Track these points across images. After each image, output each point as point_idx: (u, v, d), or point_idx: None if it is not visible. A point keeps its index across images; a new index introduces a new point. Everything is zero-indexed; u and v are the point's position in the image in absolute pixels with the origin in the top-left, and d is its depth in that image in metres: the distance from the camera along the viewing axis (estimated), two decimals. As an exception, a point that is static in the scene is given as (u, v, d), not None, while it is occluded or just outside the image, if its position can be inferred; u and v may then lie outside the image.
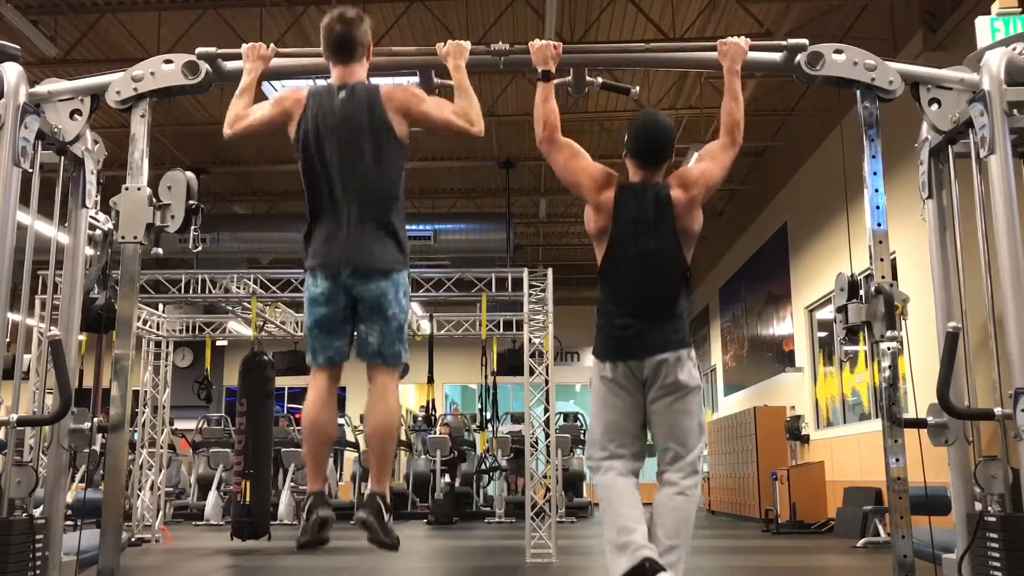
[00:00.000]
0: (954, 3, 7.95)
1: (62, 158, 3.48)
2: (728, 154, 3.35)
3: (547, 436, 8.46)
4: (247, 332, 11.20)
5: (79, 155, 3.52)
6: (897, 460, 3.36)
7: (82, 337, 3.68)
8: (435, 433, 13.52)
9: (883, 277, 3.44)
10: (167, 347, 10.32)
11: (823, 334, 11.99)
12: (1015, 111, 3.29)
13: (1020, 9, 4.37)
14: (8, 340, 3.95)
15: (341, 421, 14.84)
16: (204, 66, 3.61)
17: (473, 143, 12.00)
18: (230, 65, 3.65)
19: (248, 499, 8.11)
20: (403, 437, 14.51)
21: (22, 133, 3.22)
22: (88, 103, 3.52)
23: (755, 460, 12.96)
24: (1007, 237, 3.18)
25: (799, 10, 8.85)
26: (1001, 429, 3.15)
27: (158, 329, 10.14)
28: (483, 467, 13.92)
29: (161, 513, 10.09)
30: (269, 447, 8.81)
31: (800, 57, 3.55)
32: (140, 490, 9.68)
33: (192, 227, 3.58)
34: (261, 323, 9.82)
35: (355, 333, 3.24)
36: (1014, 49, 3.39)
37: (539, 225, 16.30)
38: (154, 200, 3.53)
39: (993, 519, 3.07)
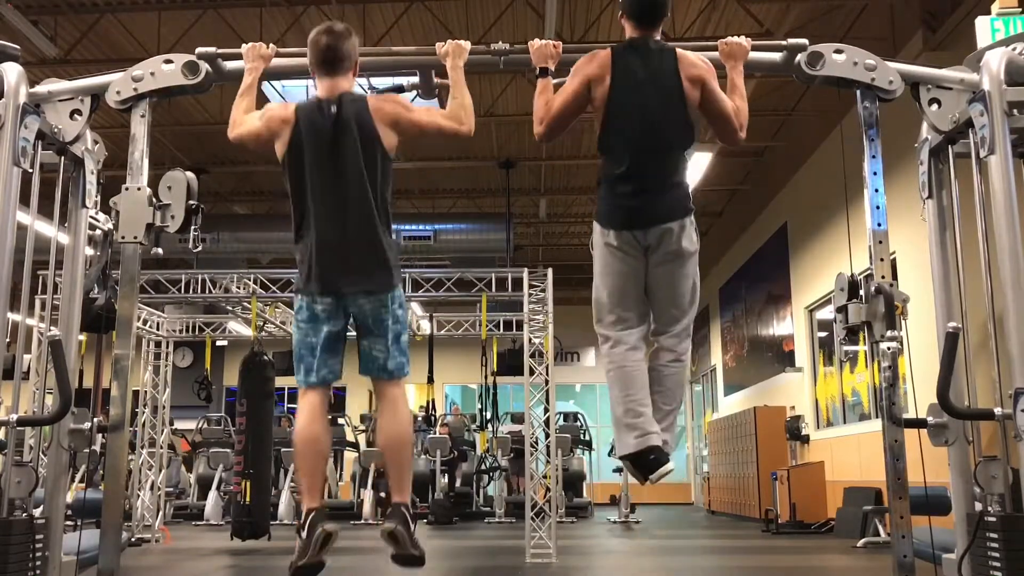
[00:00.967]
0: (954, 3, 7.95)
1: (62, 158, 3.47)
2: (733, 117, 3.27)
3: (547, 436, 8.46)
4: (247, 332, 11.20)
5: (79, 155, 3.52)
6: (897, 460, 3.36)
7: (82, 337, 3.68)
8: (435, 433, 13.52)
9: (883, 277, 3.44)
10: (167, 347, 10.32)
11: (823, 334, 11.99)
12: (1015, 111, 3.29)
13: (1020, 9, 4.37)
14: (8, 340, 3.95)
15: (341, 421, 14.85)
16: (204, 66, 3.61)
17: (473, 143, 12.00)
18: (230, 65, 3.64)
19: (248, 499, 8.10)
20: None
21: (22, 133, 3.22)
22: (88, 103, 3.52)
23: (755, 460, 12.96)
24: (1007, 237, 3.18)
25: (799, 10, 8.85)
26: (1001, 429, 3.15)
27: (158, 329, 10.14)
28: (483, 467, 13.92)
29: (161, 513, 10.09)
30: (269, 447, 8.81)
31: (800, 57, 3.55)
32: (140, 490, 9.68)
33: (192, 227, 3.58)
34: (261, 323, 9.82)
35: (359, 349, 3.26)
36: (1014, 49, 3.38)
37: (539, 225, 16.30)
38: (154, 200, 3.52)
39: (993, 519, 3.07)
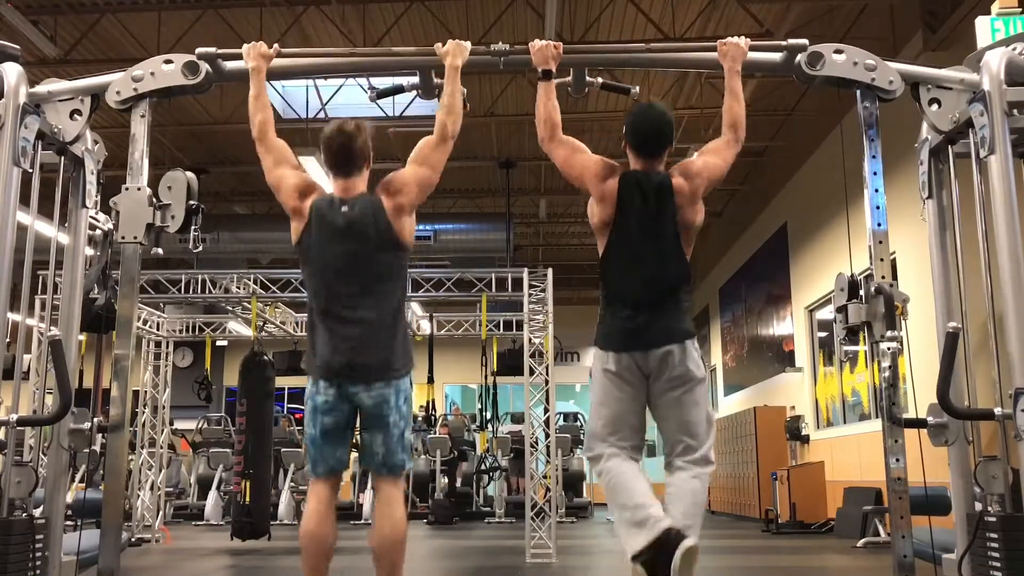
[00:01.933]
0: (954, 3, 7.94)
1: (62, 158, 3.48)
2: (731, 150, 3.36)
3: (547, 436, 8.45)
4: (247, 332, 11.20)
5: (79, 155, 3.52)
6: (897, 460, 3.36)
7: (82, 337, 3.68)
8: (435, 433, 13.52)
9: (883, 277, 3.44)
10: (167, 347, 10.32)
11: (823, 334, 11.99)
12: (1015, 111, 3.29)
13: (1020, 9, 4.37)
14: (8, 340, 3.95)
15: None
16: (204, 66, 3.61)
17: (473, 143, 12.01)
18: (230, 65, 3.65)
19: (248, 499, 8.10)
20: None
21: (22, 133, 3.22)
22: (88, 103, 3.52)
23: (755, 460, 12.96)
24: (1007, 237, 3.18)
25: (799, 10, 8.84)
26: (1001, 429, 3.15)
27: (158, 329, 10.14)
28: (483, 467, 13.92)
29: (161, 513, 10.09)
30: (269, 447, 8.80)
31: (800, 57, 3.55)
32: (140, 490, 9.68)
33: (192, 227, 3.58)
34: (261, 323, 9.82)
35: (361, 440, 3.26)
36: (1014, 49, 3.39)
37: (539, 225, 16.30)
38: (154, 200, 3.53)
39: (993, 519, 3.07)
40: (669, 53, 4.06)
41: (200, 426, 14.48)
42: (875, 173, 3.54)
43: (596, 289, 3.39)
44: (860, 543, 8.64)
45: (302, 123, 10.80)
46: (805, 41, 3.55)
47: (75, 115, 3.50)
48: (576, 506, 14.05)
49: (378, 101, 4.39)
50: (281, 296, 9.33)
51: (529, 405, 8.14)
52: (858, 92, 3.59)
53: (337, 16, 9.06)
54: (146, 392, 10.04)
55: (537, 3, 8.81)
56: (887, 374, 3.35)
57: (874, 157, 3.56)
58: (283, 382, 11.30)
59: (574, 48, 3.66)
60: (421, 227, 12.13)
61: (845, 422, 11.05)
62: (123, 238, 3.48)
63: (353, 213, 3.23)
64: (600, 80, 3.92)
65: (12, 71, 3.29)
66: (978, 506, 3.23)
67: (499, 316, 10.65)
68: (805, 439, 12.20)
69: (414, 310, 12.87)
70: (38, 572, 3.12)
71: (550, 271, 8.27)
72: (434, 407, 12.72)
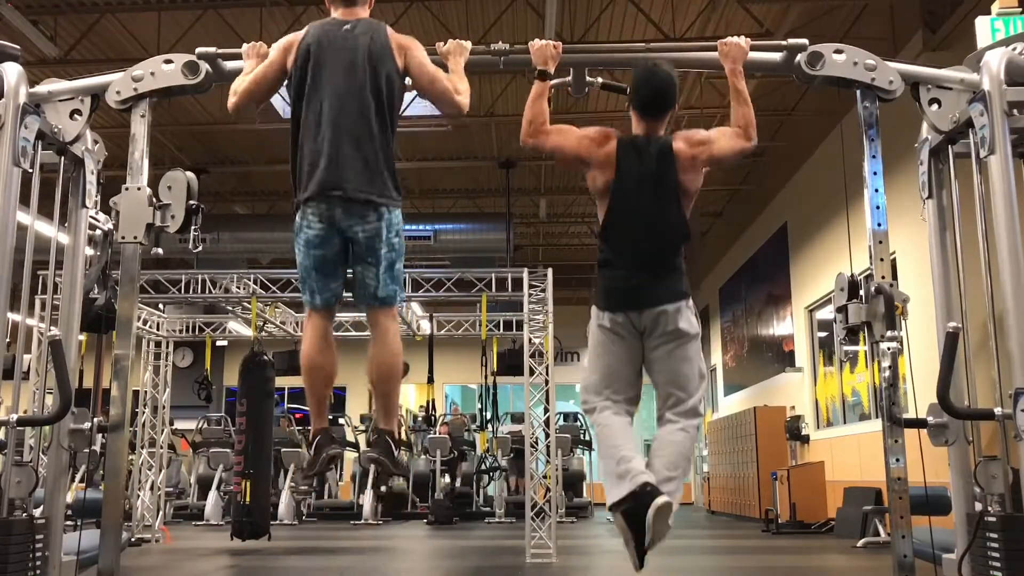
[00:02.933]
0: (954, 3, 7.95)
1: (62, 158, 3.48)
2: (739, 142, 3.31)
3: (547, 436, 8.46)
4: (247, 332, 11.20)
5: (79, 155, 3.52)
6: (897, 460, 3.36)
7: (82, 337, 3.68)
8: (435, 433, 13.52)
9: (883, 277, 3.44)
10: (167, 347, 10.32)
11: (823, 334, 11.99)
12: (1015, 111, 3.29)
13: (1020, 9, 4.37)
14: (8, 340, 3.95)
15: (341, 421, 14.86)
16: (204, 66, 3.61)
17: (473, 143, 12.01)
18: (230, 65, 3.64)
19: (248, 499, 8.11)
20: (403, 437, 14.51)
21: (22, 133, 3.22)
22: (88, 103, 3.52)
23: (755, 460, 12.96)
24: (1007, 237, 3.18)
25: (799, 10, 8.85)
26: (1001, 429, 3.15)
27: (158, 329, 10.14)
28: (483, 467, 13.92)
29: (161, 513, 10.09)
30: (269, 447, 8.80)
31: (800, 57, 3.55)
32: (140, 490, 9.68)
33: (192, 227, 3.58)
34: (261, 323, 9.82)
35: (353, 274, 3.27)
36: (1014, 49, 3.39)
37: (539, 225, 16.30)
38: (154, 200, 3.53)
39: (993, 519, 3.07)
40: (669, 53, 4.05)
41: (200, 426, 14.49)
42: (875, 173, 3.54)
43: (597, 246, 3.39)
44: (860, 543, 8.64)
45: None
46: (805, 41, 3.55)
47: (75, 115, 3.50)
48: (576, 506, 14.05)
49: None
50: (281, 296, 9.34)
51: (529, 405, 8.14)
52: (858, 92, 3.58)
53: (337, 16, 9.05)
54: (146, 392, 10.04)
55: (537, 3, 8.81)
56: (887, 374, 3.35)
57: (874, 157, 3.56)
58: (283, 382, 11.28)
59: (574, 48, 3.65)
60: (421, 227, 12.24)
61: (845, 422, 11.06)
62: (123, 238, 3.47)
63: (354, 30, 3.25)
64: (600, 80, 3.92)
65: (12, 71, 3.29)
66: (978, 506, 3.23)
67: (499, 316, 10.65)
68: (805, 439, 12.20)
69: (414, 310, 12.87)
70: (38, 572, 3.12)
71: (550, 271, 8.27)
72: (434, 407, 12.71)
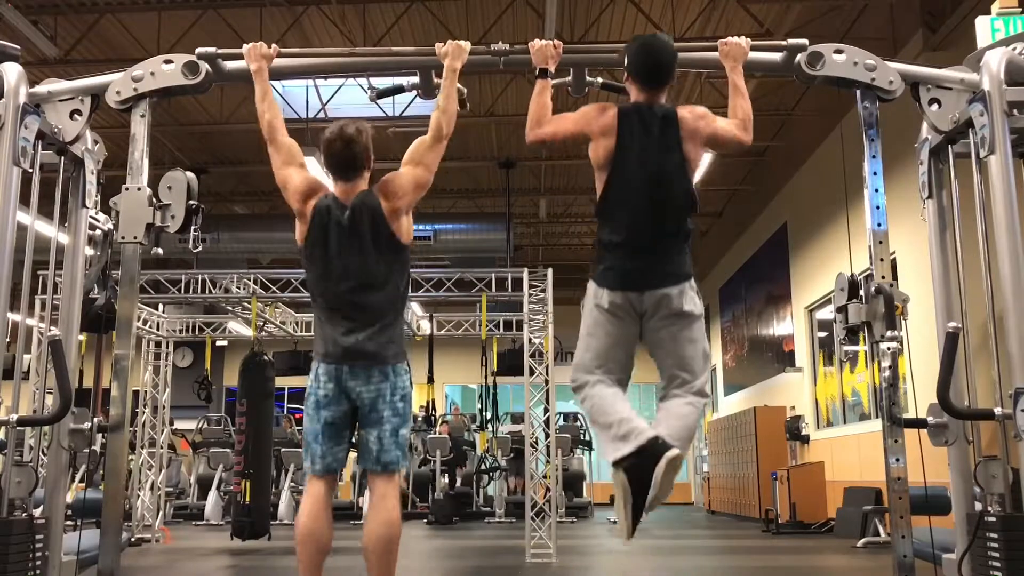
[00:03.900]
0: (954, 3, 7.95)
1: (62, 158, 3.48)
2: (738, 131, 3.25)
3: (547, 436, 8.46)
4: (247, 332, 11.20)
5: (79, 155, 3.52)
6: (897, 460, 3.36)
7: (82, 337, 3.68)
8: (435, 433, 13.52)
9: (883, 277, 3.44)
10: (167, 347, 10.32)
11: (823, 334, 11.99)
12: (1015, 111, 3.29)
13: (1020, 9, 4.38)
14: (8, 340, 3.95)
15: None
16: (204, 66, 3.61)
17: (473, 143, 12.00)
18: (230, 65, 3.65)
19: (248, 499, 8.11)
20: None
21: (22, 133, 3.22)
22: (88, 103, 3.52)
23: (755, 460, 12.96)
24: (1007, 237, 3.18)
25: (799, 10, 8.85)
26: (1001, 429, 3.15)
27: (158, 329, 10.14)
28: (483, 467, 13.92)
29: (161, 513, 10.09)
30: (269, 447, 8.80)
31: (800, 57, 3.55)
32: (140, 490, 9.68)
33: (192, 227, 3.58)
34: (261, 323, 9.82)
35: (358, 438, 3.30)
36: (1014, 49, 3.39)
37: (539, 225, 16.30)
38: (154, 200, 3.53)
39: (993, 519, 3.07)
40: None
41: (200, 426, 14.48)
42: (875, 173, 3.54)
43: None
44: (860, 543, 8.64)
45: (302, 123, 10.79)
46: (805, 41, 3.55)
47: (75, 115, 3.50)
48: (576, 506, 14.05)
49: (378, 101, 4.39)
50: (281, 296, 9.34)
51: (529, 405, 8.14)
52: (858, 92, 3.58)
53: (337, 16, 9.06)
54: (146, 392, 10.04)
55: (537, 3, 8.81)
56: (887, 374, 3.35)
57: (874, 157, 3.56)
58: (283, 382, 11.29)
59: (574, 48, 3.65)
60: (421, 227, 12.22)
61: (845, 422, 11.06)
62: (123, 238, 3.48)
63: (353, 217, 3.30)
64: (600, 80, 3.92)
65: (12, 71, 3.29)
66: (978, 506, 3.23)
67: (499, 316, 10.65)
68: (805, 439, 12.20)
69: (414, 310, 12.87)
70: (38, 572, 3.12)
71: (550, 271, 8.27)
72: (434, 407, 12.71)
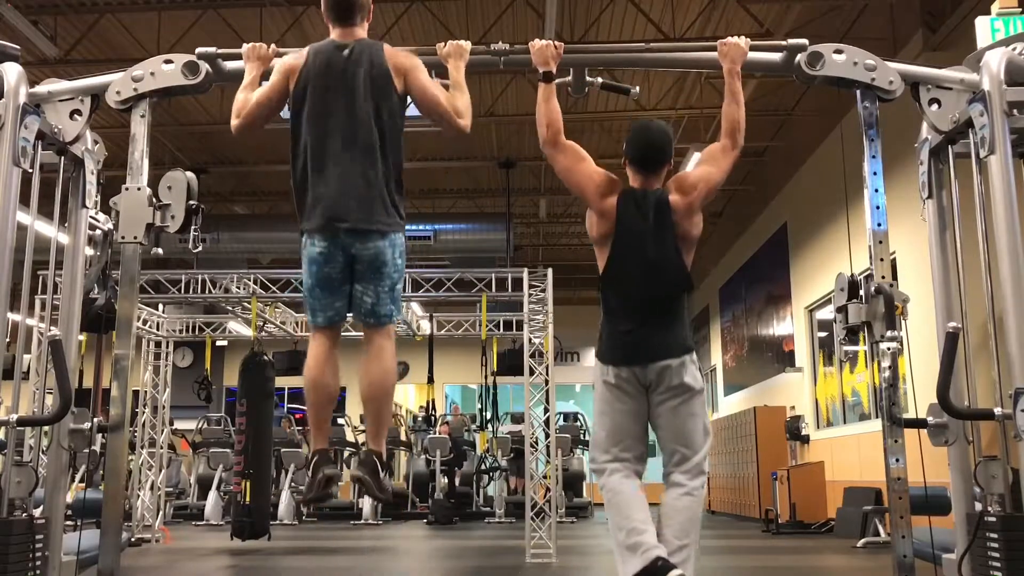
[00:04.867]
0: (954, 3, 7.95)
1: (62, 158, 3.47)
2: (728, 157, 3.37)
3: (547, 436, 8.46)
4: (247, 332, 11.20)
5: (79, 155, 3.52)
6: (897, 460, 3.36)
7: (82, 337, 3.68)
8: (435, 433, 13.52)
9: (883, 277, 3.44)
10: (167, 347, 10.32)
11: (823, 334, 11.99)
12: (1015, 111, 3.29)
13: (1020, 9, 4.38)
14: (8, 340, 3.95)
15: (341, 421, 14.86)
16: (204, 66, 3.61)
17: (473, 143, 12.00)
18: (230, 65, 3.64)
19: (248, 499, 8.10)
20: (403, 437, 14.52)
21: (22, 133, 3.22)
22: (88, 103, 3.52)
23: (755, 460, 12.96)
24: (1007, 237, 3.18)
25: (799, 10, 8.85)
26: (1001, 429, 3.15)
27: (158, 329, 10.14)
28: (483, 467, 13.92)
29: (161, 513, 10.09)
30: (269, 447, 8.80)
31: (800, 57, 3.55)
32: (140, 490, 9.68)
33: (192, 227, 3.58)
34: (261, 323, 9.82)
35: (351, 291, 3.25)
36: (1014, 49, 3.38)
37: (539, 225, 16.30)
38: (154, 200, 3.52)
39: (993, 519, 3.07)
40: (669, 53, 4.06)
41: (200, 426, 14.49)
42: (875, 173, 3.54)
43: (596, 289, 3.42)
44: (860, 543, 8.64)
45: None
46: (805, 41, 3.55)
47: (75, 115, 3.49)
48: (576, 506, 14.05)
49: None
50: (281, 296, 9.34)
51: (529, 405, 8.14)
52: (858, 92, 3.58)
53: (337, 16, 9.05)
54: (146, 392, 10.04)
55: (537, 3, 8.81)
56: (887, 374, 3.34)
57: (874, 157, 3.55)
58: (283, 382, 11.28)
59: (574, 48, 3.65)
60: (421, 227, 12.24)
61: (845, 422, 11.06)
62: (123, 238, 3.47)
63: (352, 54, 3.25)
64: (600, 80, 3.92)
65: (12, 71, 3.29)
66: (978, 506, 3.23)
67: (499, 316, 10.65)
68: (805, 439, 12.20)
69: (414, 310, 12.87)
70: (38, 572, 3.12)
71: (550, 271, 8.27)
72: (434, 407, 12.71)
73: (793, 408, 12.80)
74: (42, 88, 3.49)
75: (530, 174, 13.64)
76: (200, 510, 12.82)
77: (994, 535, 3.04)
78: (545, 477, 8.56)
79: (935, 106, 3.49)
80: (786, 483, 11.24)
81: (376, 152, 3.19)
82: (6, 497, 3.11)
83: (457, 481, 13.92)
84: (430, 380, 11.42)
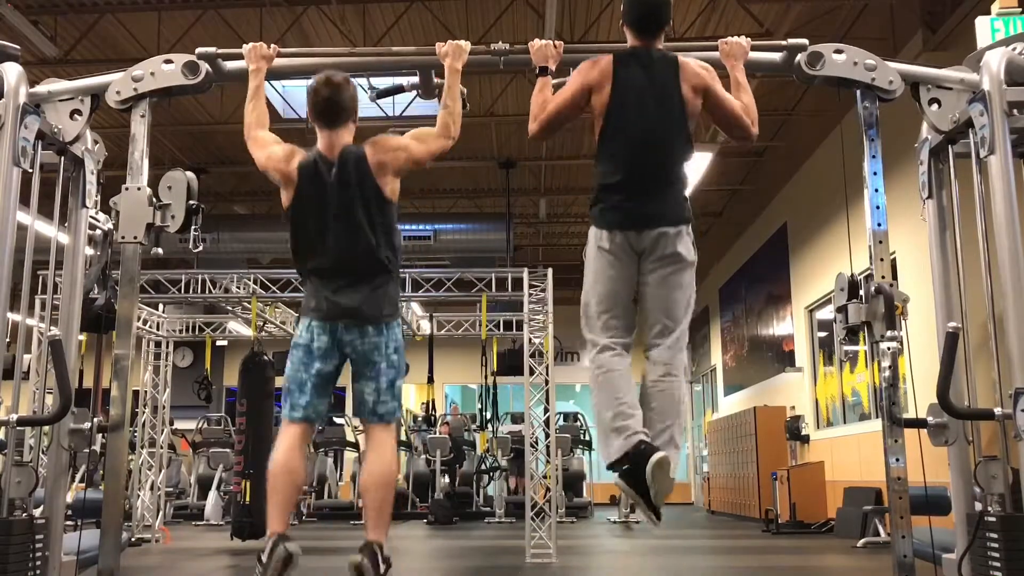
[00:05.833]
0: (954, 3, 7.95)
1: (62, 158, 3.48)
2: (743, 116, 3.25)
3: (547, 436, 8.46)
4: (247, 332, 11.20)
5: (79, 155, 3.52)
6: (897, 460, 3.36)
7: (82, 337, 3.68)
8: (435, 433, 13.52)
9: (883, 277, 3.44)
10: (167, 347, 10.32)
11: (823, 334, 11.99)
12: (1015, 111, 3.29)
13: (1020, 9, 4.38)
14: (8, 340, 3.95)
15: (340, 421, 14.86)
16: (204, 66, 3.61)
17: (473, 143, 12.00)
18: (230, 65, 3.65)
19: (248, 499, 8.10)
20: (403, 437, 14.52)
21: (22, 133, 3.22)
22: (88, 103, 3.52)
23: (755, 460, 12.96)
24: (1007, 237, 3.18)
25: (799, 10, 8.85)
26: (1001, 429, 3.15)
27: (158, 329, 10.14)
28: (483, 467, 13.92)
29: (161, 513, 10.09)
30: (269, 447, 8.77)
31: (800, 57, 3.55)
32: (140, 490, 9.68)
33: (192, 227, 3.58)
34: (261, 323, 9.82)
35: (353, 390, 3.33)
36: (1014, 49, 3.39)
37: (539, 225, 16.29)
38: (154, 200, 3.53)
39: (993, 519, 3.07)
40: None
41: (200, 426, 14.48)
42: (875, 173, 3.54)
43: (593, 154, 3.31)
44: (860, 543, 8.64)
45: (302, 123, 10.79)
46: (805, 41, 3.55)
47: (75, 115, 3.50)
48: (576, 506, 14.05)
49: (378, 101, 4.39)
50: (281, 296, 9.34)
51: (529, 405, 8.14)
52: (858, 92, 3.58)
53: (337, 16, 9.06)
54: (146, 392, 10.04)
55: (537, 3, 8.81)
56: (887, 374, 3.35)
57: (874, 157, 3.56)
58: (283, 382, 11.28)
59: (574, 48, 3.65)
60: (421, 227, 12.23)
61: (845, 422, 11.06)
62: (123, 238, 3.48)
63: (339, 172, 3.29)
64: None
65: (12, 71, 3.29)
66: (978, 506, 3.23)
67: (499, 316, 10.65)
68: (805, 439, 12.20)
69: (414, 310, 12.87)
70: (38, 572, 3.12)
71: (550, 271, 8.27)
72: (434, 407, 12.70)
73: (793, 408, 12.80)
74: (42, 88, 3.49)
75: (530, 174, 13.64)
76: (200, 510, 12.81)
77: (994, 535, 3.04)
78: (545, 477, 8.55)
79: (935, 106, 3.49)
80: (786, 483, 11.23)
81: (375, 256, 3.29)
82: (6, 497, 3.11)
83: (457, 481, 13.92)
84: (430, 380, 11.42)
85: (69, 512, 3.65)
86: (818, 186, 11.40)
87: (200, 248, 3.59)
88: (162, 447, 10.15)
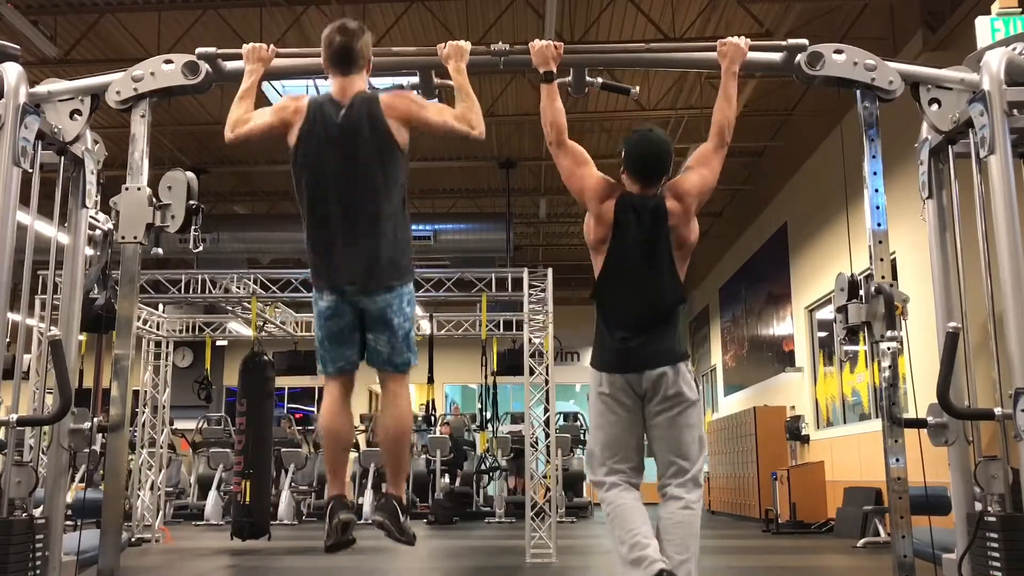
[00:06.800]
0: (954, 3, 7.95)
1: (62, 158, 3.47)
2: (718, 156, 3.38)
3: (547, 436, 8.46)
4: (247, 332, 11.20)
5: (79, 155, 3.52)
6: (897, 460, 3.36)
7: (82, 337, 3.68)
8: (435, 433, 13.52)
9: (883, 277, 3.44)
10: (167, 347, 10.32)
11: (823, 334, 11.99)
12: (1015, 111, 3.29)
13: (1020, 9, 4.37)
14: (8, 340, 3.95)
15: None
16: (204, 66, 3.61)
17: (473, 143, 11.99)
18: (230, 65, 3.64)
19: (248, 499, 8.11)
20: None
21: (22, 133, 3.22)
22: (88, 103, 3.52)
23: (755, 460, 12.96)
24: (1007, 237, 3.18)
25: (799, 10, 8.84)
26: (1001, 429, 3.15)
27: (158, 329, 10.14)
28: (483, 467, 13.92)
29: (161, 513, 10.09)
30: (269, 447, 8.80)
31: (800, 57, 3.55)
32: (140, 490, 9.68)
33: (192, 227, 3.58)
34: (261, 323, 9.82)
35: (364, 341, 3.28)
36: (1014, 49, 3.38)
37: (539, 225, 16.30)
38: (154, 200, 3.52)
39: (993, 519, 3.07)
40: (669, 53, 4.06)
41: (200, 426, 14.48)
42: (875, 173, 3.54)
43: (591, 295, 3.40)
44: (860, 543, 8.64)
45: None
46: (805, 41, 3.55)
47: (75, 115, 3.49)
48: (576, 506, 14.05)
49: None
50: (281, 296, 9.34)
51: (529, 405, 8.14)
52: (858, 92, 3.58)
53: (337, 16, 9.01)
54: (146, 392, 10.04)
55: (537, 3, 8.81)
56: (887, 374, 3.35)
57: (874, 157, 3.55)
58: (283, 382, 11.30)
59: (574, 48, 3.65)
60: (421, 227, 12.24)
61: (845, 422, 11.06)
62: (123, 238, 3.47)
63: (350, 113, 3.22)
64: (600, 80, 3.92)
65: (12, 71, 3.29)
66: (978, 506, 3.23)
67: (499, 316, 10.64)
68: (805, 439, 12.20)
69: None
70: (38, 572, 3.12)
71: (550, 271, 8.27)
72: (434, 407, 12.71)
73: (793, 408, 12.80)
74: (42, 88, 3.49)
75: (530, 174, 13.64)
76: (200, 510, 12.81)
77: (994, 535, 3.04)
78: (545, 477, 8.56)
79: (935, 106, 3.49)
80: (786, 483, 11.24)
81: (379, 216, 3.20)
82: (6, 497, 3.11)
83: (457, 481, 13.92)
84: (430, 380, 11.41)
85: (69, 512, 3.65)
86: (818, 186, 11.40)
87: (200, 248, 3.58)
88: (162, 447, 10.15)
